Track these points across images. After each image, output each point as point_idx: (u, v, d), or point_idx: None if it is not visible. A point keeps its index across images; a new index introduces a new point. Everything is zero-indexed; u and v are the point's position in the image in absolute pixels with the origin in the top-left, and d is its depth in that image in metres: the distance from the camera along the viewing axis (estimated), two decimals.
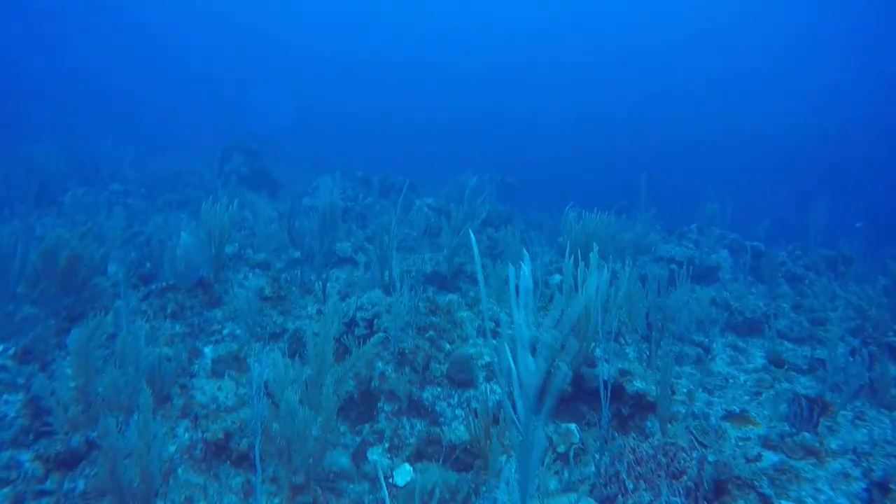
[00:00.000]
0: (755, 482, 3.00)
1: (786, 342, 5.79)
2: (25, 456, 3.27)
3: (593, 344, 3.81)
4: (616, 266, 4.45)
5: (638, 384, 3.85)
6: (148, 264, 6.15)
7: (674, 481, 2.62)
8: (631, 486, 2.67)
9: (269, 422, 3.07)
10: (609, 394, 3.94)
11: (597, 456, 3.51)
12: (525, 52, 46.15)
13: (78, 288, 4.55)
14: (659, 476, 2.65)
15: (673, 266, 8.08)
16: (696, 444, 3.46)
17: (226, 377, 3.92)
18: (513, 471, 3.45)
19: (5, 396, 3.66)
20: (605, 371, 3.75)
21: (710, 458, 3.17)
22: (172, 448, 3.18)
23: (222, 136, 12.54)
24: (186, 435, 3.29)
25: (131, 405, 3.20)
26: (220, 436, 3.22)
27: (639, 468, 2.67)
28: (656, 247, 9.10)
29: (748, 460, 3.27)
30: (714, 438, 3.52)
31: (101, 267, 4.78)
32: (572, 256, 4.02)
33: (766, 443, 3.52)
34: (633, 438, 3.06)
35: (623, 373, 3.99)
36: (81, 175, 10.53)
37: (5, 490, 3.05)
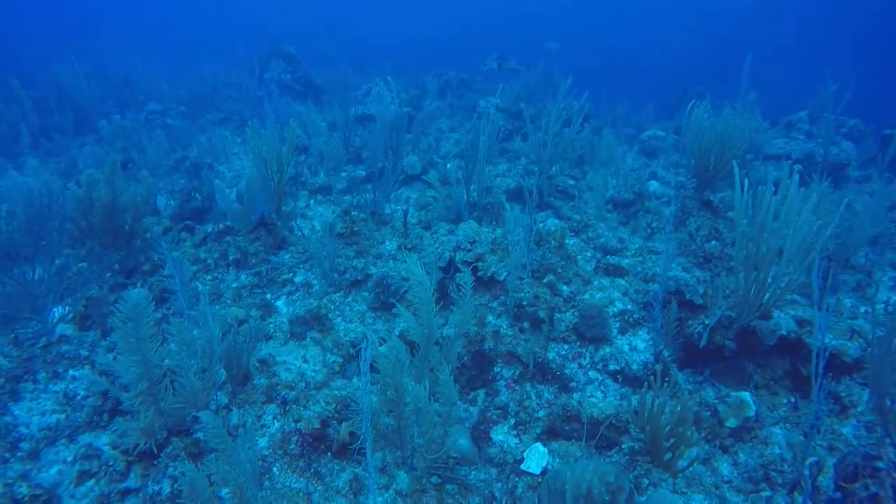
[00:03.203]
0: None
1: None
2: (104, 439, 2.84)
3: (769, 292, 2.89)
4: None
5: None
6: (198, 196, 5.51)
7: None
8: None
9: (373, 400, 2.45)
10: (778, 345, 3.10)
11: (786, 437, 2.77)
12: None
13: (127, 236, 3.95)
14: None
15: (797, 166, 6.78)
16: None
17: (308, 340, 3.31)
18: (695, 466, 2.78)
19: (71, 372, 3.20)
20: (797, 332, 2.85)
21: None
22: (263, 441, 2.64)
23: (254, 42, 11.30)
24: (276, 424, 2.73)
25: (205, 393, 2.64)
26: (317, 425, 2.65)
27: None
28: (766, 143, 7.69)
29: None
30: None
31: (146, 208, 4.12)
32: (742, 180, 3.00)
33: None
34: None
35: (801, 322, 3.11)
36: (116, 96, 9.77)
37: (90, 483, 2.65)
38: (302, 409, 2.74)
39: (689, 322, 3.23)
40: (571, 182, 5.70)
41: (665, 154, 8.26)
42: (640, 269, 4.02)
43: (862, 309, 3.84)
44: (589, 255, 4.18)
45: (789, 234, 2.58)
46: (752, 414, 2.83)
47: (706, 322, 3.09)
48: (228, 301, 3.65)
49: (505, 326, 3.24)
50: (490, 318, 3.29)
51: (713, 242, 4.34)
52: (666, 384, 2.64)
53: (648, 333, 3.32)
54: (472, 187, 4.72)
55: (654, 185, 6.47)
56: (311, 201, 5.40)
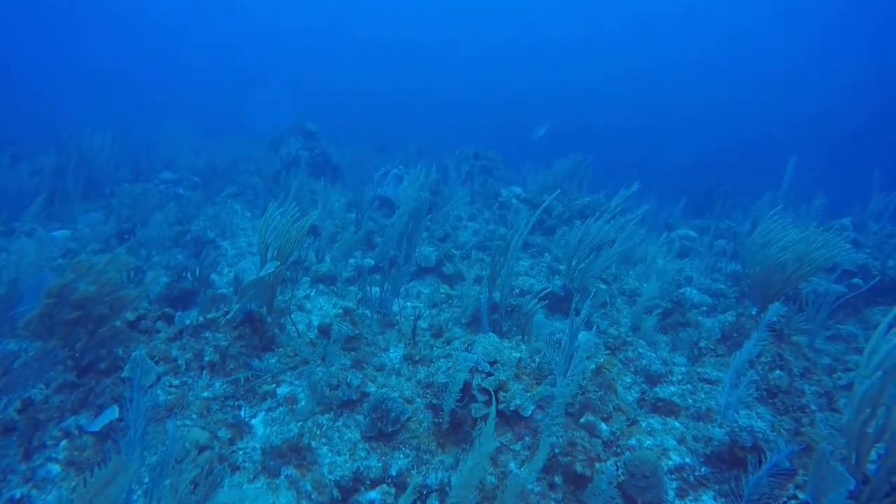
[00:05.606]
0: None
1: None
2: None
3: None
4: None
5: None
6: (189, 277, 5.02)
7: None
8: None
9: None
10: None
11: None
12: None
13: (94, 324, 3.39)
14: None
15: (856, 280, 6.12)
16: None
17: (282, 479, 2.62)
18: None
19: None
20: None
21: None
22: None
23: (278, 118, 11.43)
24: None
25: None
26: None
27: None
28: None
29: None
30: None
31: (132, 305, 3.57)
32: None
33: None
34: None
35: None
36: (133, 162, 9.69)
37: None
38: None
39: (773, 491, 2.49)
40: (603, 286, 5.12)
41: (699, 257, 7.71)
42: (690, 401, 3.32)
43: None
44: (629, 380, 3.50)
45: None
46: None
47: (800, 497, 2.35)
48: (194, 415, 3.01)
49: (530, 479, 2.53)
50: (512, 465, 2.59)
51: (777, 372, 3.66)
52: None
53: (716, 500, 2.57)
54: (494, 288, 4.16)
55: (693, 293, 5.86)
56: (312, 291, 4.87)
